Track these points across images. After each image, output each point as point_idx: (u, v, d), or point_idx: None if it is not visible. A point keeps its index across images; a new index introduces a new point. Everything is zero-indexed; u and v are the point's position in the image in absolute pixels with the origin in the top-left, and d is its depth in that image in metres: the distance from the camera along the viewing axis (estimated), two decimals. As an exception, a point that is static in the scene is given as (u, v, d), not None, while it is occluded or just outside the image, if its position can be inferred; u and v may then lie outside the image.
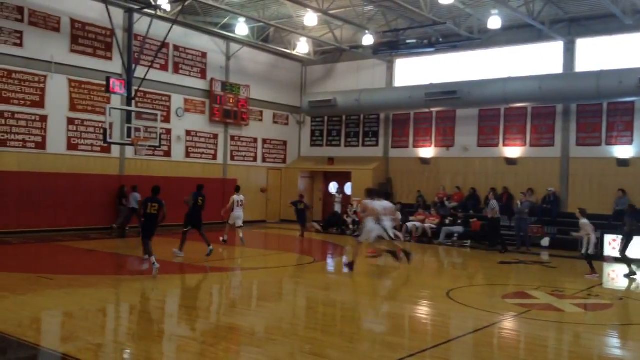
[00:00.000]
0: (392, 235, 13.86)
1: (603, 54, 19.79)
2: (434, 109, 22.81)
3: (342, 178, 25.81)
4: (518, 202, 18.79)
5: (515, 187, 20.77)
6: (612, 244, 16.71)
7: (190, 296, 10.84)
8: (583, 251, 13.74)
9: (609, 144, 19.80)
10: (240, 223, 16.86)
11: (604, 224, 17.86)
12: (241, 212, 16.93)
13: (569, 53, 20.55)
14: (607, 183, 19.55)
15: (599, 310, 10.28)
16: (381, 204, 13.53)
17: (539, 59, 21.06)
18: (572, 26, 20.34)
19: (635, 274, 13.67)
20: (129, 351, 7.17)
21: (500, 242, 18.04)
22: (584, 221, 13.71)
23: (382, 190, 13.12)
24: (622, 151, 19.48)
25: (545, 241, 18.90)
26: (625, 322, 9.49)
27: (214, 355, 6.97)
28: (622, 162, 19.40)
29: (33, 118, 18.19)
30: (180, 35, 21.91)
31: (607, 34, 19.72)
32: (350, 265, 13.20)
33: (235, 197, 16.78)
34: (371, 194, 13.87)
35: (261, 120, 25.87)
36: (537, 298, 10.92)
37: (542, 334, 8.61)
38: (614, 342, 8.48)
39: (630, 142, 19.35)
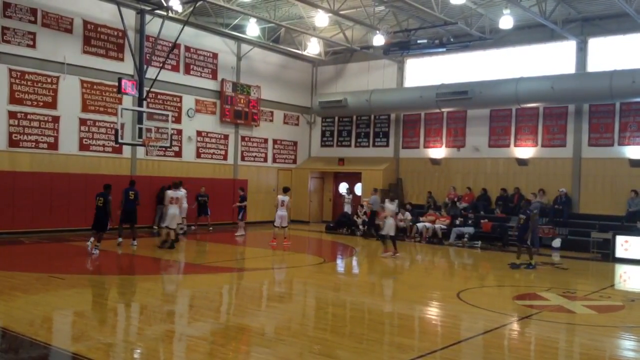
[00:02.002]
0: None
1: (616, 53, 19.65)
2: (444, 110, 22.74)
3: (353, 179, 25.79)
4: (527, 203, 18.67)
5: (526, 187, 20.66)
6: (624, 245, 16.55)
7: (199, 296, 10.87)
8: (384, 232, 16.01)
9: (621, 144, 19.64)
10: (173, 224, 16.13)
11: (617, 225, 17.76)
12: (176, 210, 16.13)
13: (582, 53, 20.40)
14: (619, 184, 19.39)
15: (610, 311, 10.19)
16: (176, 193, 16.02)
17: (551, 59, 20.95)
18: (585, 25, 20.19)
19: (533, 266, 14.52)
20: (139, 351, 7.20)
21: (374, 231, 19.96)
22: (387, 205, 16.17)
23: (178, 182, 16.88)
24: (635, 152, 19.30)
25: (557, 242, 18.79)
26: (637, 324, 9.39)
27: (224, 355, 6.99)
28: (635, 163, 19.22)
29: (45, 119, 18.34)
30: (192, 36, 22.00)
31: (620, 33, 19.58)
32: (169, 244, 15.71)
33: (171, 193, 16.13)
34: (175, 185, 16.39)
35: (272, 120, 25.91)
36: (548, 299, 10.86)
37: (553, 335, 8.56)
38: (626, 344, 8.41)
39: (643, 143, 19.22)
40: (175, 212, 15.81)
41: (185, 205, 18.04)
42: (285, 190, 18.15)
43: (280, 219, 17.46)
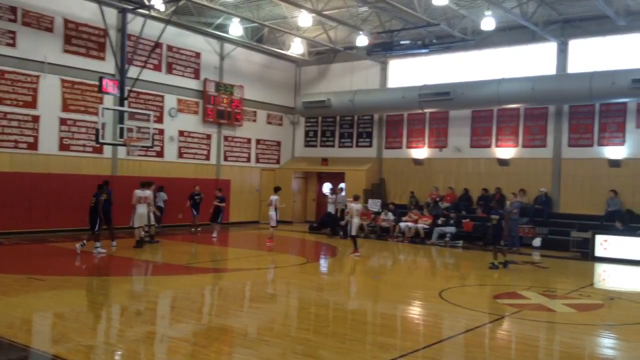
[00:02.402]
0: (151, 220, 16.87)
1: (596, 55, 19.88)
2: (427, 110, 22.86)
3: (336, 179, 25.81)
4: (507, 203, 18.85)
5: (507, 187, 20.82)
6: (603, 244, 16.77)
7: (181, 297, 10.81)
8: (351, 233, 16.25)
9: (601, 144, 19.89)
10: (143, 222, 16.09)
11: (596, 225, 17.98)
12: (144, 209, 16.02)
13: (562, 54, 20.62)
14: (598, 184, 19.63)
15: (590, 310, 10.32)
16: (144, 193, 16.06)
17: (533, 60, 21.14)
18: (566, 27, 20.41)
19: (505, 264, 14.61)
20: (119, 352, 7.14)
21: (341, 229, 20.53)
22: (351, 205, 16.34)
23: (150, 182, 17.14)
24: (614, 152, 19.57)
25: (537, 241, 18.97)
26: (616, 322, 9.53)
27: (206, 356, 6.96)
28: (614, 163, 19.49)
29: (25, 118, 18.11)
30: (174, 35, 21.86)
31: (600, 35, 19.81)
32: (139, 243, 15.92)
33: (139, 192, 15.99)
34: (143, 185, 16.37)
35: (255, 120, 25.84)
36: (528, 298, 10.97)
37: (533, 334, 8.66)
38: (605, 342, 8.52)
39: (622, 143, 19.46)
40: (144, 212, 15.88)
41: (160, 204, 18.08)
42: (275, 190, 18.23)
43: (270, 219, 17.71)
